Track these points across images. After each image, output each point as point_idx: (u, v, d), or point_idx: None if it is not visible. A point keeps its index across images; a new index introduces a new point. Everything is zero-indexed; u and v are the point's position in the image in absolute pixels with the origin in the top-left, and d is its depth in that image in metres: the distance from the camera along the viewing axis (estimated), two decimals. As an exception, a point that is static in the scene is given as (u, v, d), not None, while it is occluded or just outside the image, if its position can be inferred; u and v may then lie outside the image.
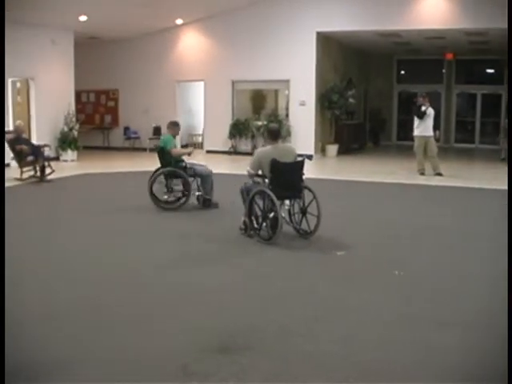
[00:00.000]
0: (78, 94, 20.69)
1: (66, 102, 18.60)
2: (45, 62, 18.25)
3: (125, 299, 5.98)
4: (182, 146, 22.35)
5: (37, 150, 14.39)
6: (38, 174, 14.16)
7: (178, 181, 10.66)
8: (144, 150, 21.64)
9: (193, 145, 23.08)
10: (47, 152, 15.35)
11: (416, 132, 15.57)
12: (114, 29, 19.79)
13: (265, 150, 8.46)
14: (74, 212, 10.58)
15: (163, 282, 6.50)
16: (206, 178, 10.68)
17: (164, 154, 10.69)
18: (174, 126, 11.11)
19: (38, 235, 8.89)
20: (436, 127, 15.88)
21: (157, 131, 21.78)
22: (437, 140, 15.85)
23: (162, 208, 10.59)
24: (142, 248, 8.11)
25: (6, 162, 16.15)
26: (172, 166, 10.60)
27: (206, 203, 10.66)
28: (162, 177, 10.70)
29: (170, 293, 6.16)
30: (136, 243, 8.43)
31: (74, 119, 18.84)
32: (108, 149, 22.03)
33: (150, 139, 21.73)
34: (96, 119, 22.92)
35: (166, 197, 10.75)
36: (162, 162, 10.79)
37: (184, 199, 10.66)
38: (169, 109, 21.48)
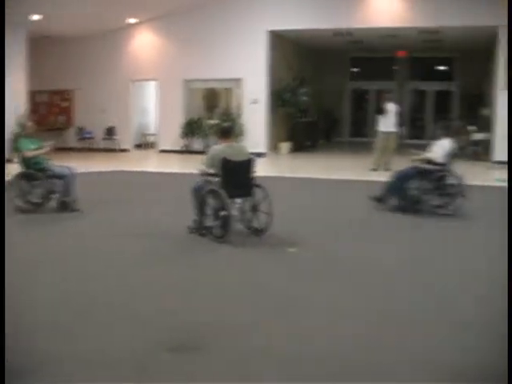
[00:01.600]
0: (31, 95, 20.43)
1: (18, 103, 18.35)
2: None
3: (77, 298, 5.91)
4: (137, 146, 22.37)
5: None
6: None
7: (39, 183, 10.41)
8: (98, 150, 21.52)
9: (147, 145, 23.02)
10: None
11: (378, 127, 15.81)
12: (68, 28, 19.58)
13: (217, 148, 8.47)
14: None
15: (121, 282, 6.46)
16: (64, 180, 10.47)
17: (22, 156, 10.54)
18: (22, 127, 10.94)
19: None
20: (401, 124, 16.06)
21: (110, 131, 21.67)
22: (399, 137, 16.01)
23: (23, 211, 10.25)
24: (96, 248, 8.02)
25: None
26: (30, 168, 10.46)
27: (64, 206, 10.39)
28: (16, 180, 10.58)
29: (123, 292, 6.12)
30: (90, 242, 8.34)
31: (25, 120, 18.58)
32: (62, 149, 21.75)
33: (104, 139, 21.63)
34: (50, 120, 22.65)
35: (28, 199, 10.46)
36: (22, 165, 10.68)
37: (42, 201, 10.45)
38: (123, 108, 21.42)
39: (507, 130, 14.12)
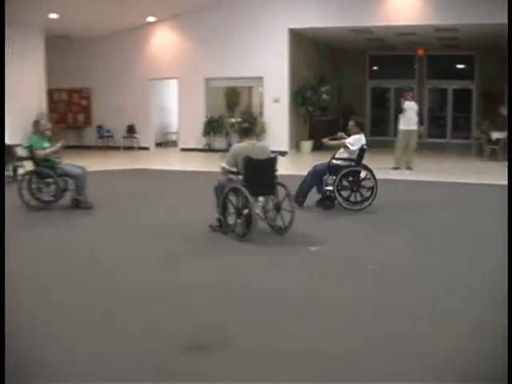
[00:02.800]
0: (50, 93, 20.56)
1: (38, 101, 18.45)
2: (15, 61, 18.08)
3: (100, 297, 5.91)
4: (158, 144, 22.44)
5: (8, 150, 14.28)
6: (11, 173, 14.06)
7: (50, 181, 10.45)
8: (118, 148, 21.57)
9: (162, 144, 23.07)
10: (20, 152, 15.20)
11: (399, 126, 15.78)
12: (86, 27, 19.69)
13: (240, 146, 8.46)
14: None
15: (139, 281, 6.42)
16: (76, 178, 10.50)
17: (32, 154, 10.59)
18: (35, 124, 10.97)
19: None
20: (421, 122, 15.98)
21: (130, 129, 21.72)
22: (419, 135, 15.94)
23: (33, 208, 10.36)
24: (115, 247, 8.02)
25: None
26: (40, 165, 10.51)
27: (76, 203, 10.46)
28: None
29: (144, 291, 6.08)
30: (112, 241, 8.34)
31: (42, 117, 18.66)
32: (81, 148, 21.87)
33: (124, 138, 21.68)
34: (69, 118, 22.78)
35: (39, 196, 10.57)
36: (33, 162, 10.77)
37: (52, 199, 10.51)
38: (142, 107, 21.45)
39: (507, 129, 13.90)
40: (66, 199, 10.61)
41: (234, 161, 8.34)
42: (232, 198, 8.29)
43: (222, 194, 8.37)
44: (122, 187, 13.15)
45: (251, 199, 7.96)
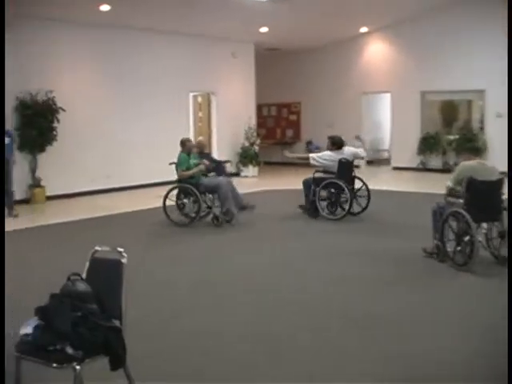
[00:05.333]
0: (258, 108, 20.51)
1: (247, 116, 18.48)
2: (226, 75, 18.21)
3: (310, 323, 5.80)
4: (369, 162, 21.58)
5: (219, 166, 14.22)
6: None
7: (194, 197, 10.69)
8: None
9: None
10: (228, 168, 15.14)
11: None
12: (295, 39, 19.40)
13: (468, 164, 7.81)
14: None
15: (349, 307, 6.29)
16: (218, 191, 10.67)
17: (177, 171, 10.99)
18: (183, 143, 11.11)
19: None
20: None
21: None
22: None
23: (176, 224, 10.72)
24: (325, 267, 7.90)
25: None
26: (183, 182, 10.84)
27: (228, 217, 10.66)
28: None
29: (355, 317, 5.94)
30: (315, 262, 8.19)
31: (254, 134, 18.57)
32: (288, 164, 21.58)
33: (333, 154, 21.10)
34: (277, 133, 22.61)
35: (185, 212, 10.87)
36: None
37: (195, 215, 10.70)
38: (353, 122, 20.59)
39: (507, 126, 13.21)
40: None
41: (458, 179, 7.68)
42: (452, 223, 7.60)
43: (441, 218, 7.70)
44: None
45: (474, 225, 7.21)
